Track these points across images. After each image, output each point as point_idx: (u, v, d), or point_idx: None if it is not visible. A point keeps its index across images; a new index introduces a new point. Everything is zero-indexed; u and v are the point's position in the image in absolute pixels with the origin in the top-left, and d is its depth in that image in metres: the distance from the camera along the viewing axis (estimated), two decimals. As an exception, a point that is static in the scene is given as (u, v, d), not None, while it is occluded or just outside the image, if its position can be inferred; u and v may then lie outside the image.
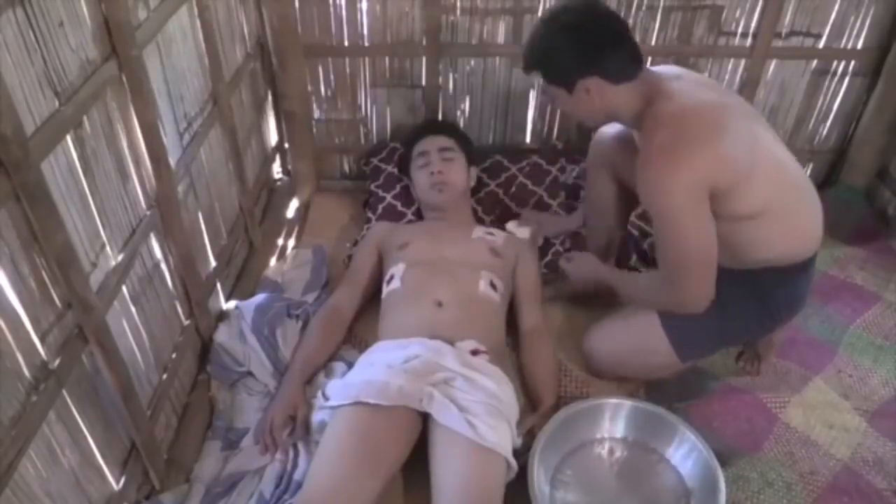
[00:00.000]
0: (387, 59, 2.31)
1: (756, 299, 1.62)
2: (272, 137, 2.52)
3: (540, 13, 2.23)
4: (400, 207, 2.24)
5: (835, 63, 2.32)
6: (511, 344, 1.88)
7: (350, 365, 1.73)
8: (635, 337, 1.72)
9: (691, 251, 1.47)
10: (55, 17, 1.15)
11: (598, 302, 2.01)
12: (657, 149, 1.44)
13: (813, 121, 2.43)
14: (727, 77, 2.34)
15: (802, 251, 1.61)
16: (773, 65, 2.31)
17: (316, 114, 2.43)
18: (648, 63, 2.28)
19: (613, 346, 1.76)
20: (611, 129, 1.81)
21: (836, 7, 2.20)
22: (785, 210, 1.55)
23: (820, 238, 1.63)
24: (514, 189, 2.27)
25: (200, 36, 1.77)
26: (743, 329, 1.70)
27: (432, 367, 1.56)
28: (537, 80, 1.60)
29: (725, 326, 1.64)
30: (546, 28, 1.52)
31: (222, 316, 1.88)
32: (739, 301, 1.61)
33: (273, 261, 2.25)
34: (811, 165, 2.52)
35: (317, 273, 2.10)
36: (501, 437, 1.47)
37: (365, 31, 2.25)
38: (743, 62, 2.30)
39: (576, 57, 1.48)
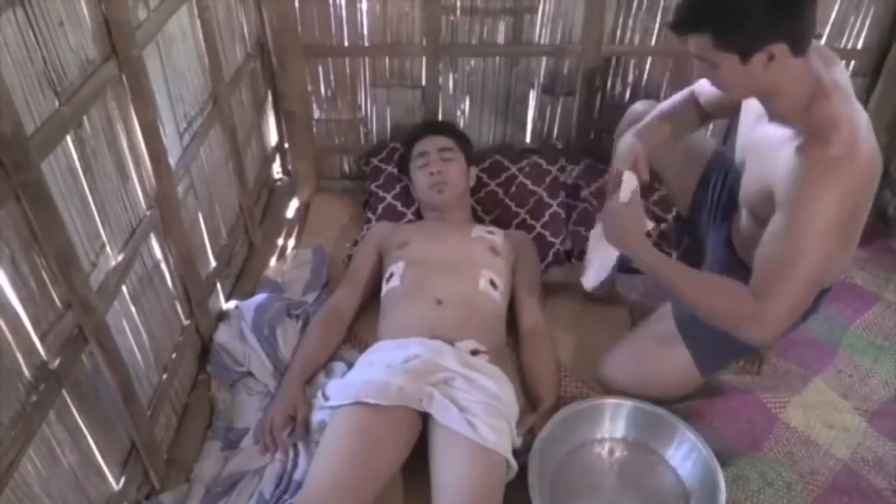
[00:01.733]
0: (387, 59, 2.31)
1: None
2: (272, 137, 2.52)
3: (540, 13, 2.23)
4: (400, 207, 2.24)
5: (835, 63, 2.32)
6: (511, 344, 1.88)
7: (350, 365, 1.73)
8: (657, 359, 1.68)
9: (807, 276, 1.34)
10: (55, 17, 1.15)
11: (603, 303, 2.01)
12: (833, 156, 1.27)
13: (813, 121, 2.44)
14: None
15: (838, 278, 1.61)
16: (773, 65, 2.31)
17: (316, 114, 2.43)
18: (648, 63, 2.31)
19: (633, 372, 1.69)
20: (643, 105, 1.79)
21: (836, 7, 2.19)
22: (849, 243, 1.51)
23: None
24: (513, 189, 2.27)
25: (200, 36, 1.77)
26: None
27: (432, 367, 1.56)
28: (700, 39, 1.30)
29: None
30: None
31: (222, 316, 1.88)
32: None
33: (273, 261, 2.25)
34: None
35: (317, 273, 2.10)
36: (501, 437, 1.47)
37: (365, 31, 2.25)
38: (743, 62, 2.29)
39: (776, 15, 1.24)
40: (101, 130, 1.31)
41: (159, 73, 1.54)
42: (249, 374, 1.76)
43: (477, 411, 1.48)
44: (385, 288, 1.86)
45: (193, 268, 1.71)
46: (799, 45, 1.29)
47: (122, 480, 1.40)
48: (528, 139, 2.49)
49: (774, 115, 1.42)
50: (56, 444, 1.17)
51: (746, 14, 1.25)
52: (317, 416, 1.58)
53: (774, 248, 1.35)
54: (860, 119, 1.34)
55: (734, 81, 1.36)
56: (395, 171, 2.31)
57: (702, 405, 1.68)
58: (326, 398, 1.57)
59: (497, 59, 2.32)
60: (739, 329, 1.40)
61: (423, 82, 2.34)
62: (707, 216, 1.78)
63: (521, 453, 1.52)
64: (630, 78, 2.33)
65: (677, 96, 1.74)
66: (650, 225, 1.67)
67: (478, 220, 2.19)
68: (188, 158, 1.70)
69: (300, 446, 1.59)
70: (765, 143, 1.43)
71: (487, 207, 2.24)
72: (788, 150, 1.34)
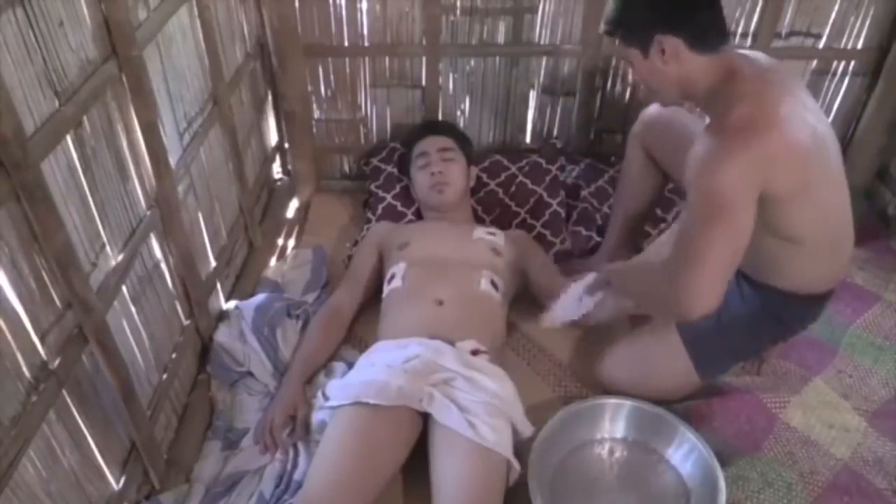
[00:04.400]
0: (387, 59, 2.31)
1: (777, 320, 1.61)
2: (272, 137, 2.52)
3: (540, 13, 2.23)
4: (400, 208, 2.24)
5: (835, 63, 2.31)
6: (511, 344, 1.88)
7: (350, 365, 1.73)
8: (656, 360, 1.68)
9: (718, 246, 1.32)
10: (55, 17, 1.15)
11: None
12: (729, 126, 1.31)
13: (813, 121, 2.44)
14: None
15: (830, 283, 1.60)
16: (773, 65, 2.31)
17: (316, 114, 2.43)
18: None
19: (632, 372, 1.69)
20: (657, 107, 1.79)
21: (836, 7, 2.20)
22: (831, 244, 1.52)
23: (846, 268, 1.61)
24: (513, 188, 2.27)
25: (200, 36, 1.77)
26: (760, 346, 1.72)
27: (432, 367, 1.56)
28: (616, 43, 1.46)
29: (745, 344, 1.64)
30: None
31: (222, 316, 1.88)
32: (761, 321, 1.61)
33: (273, 261, 2.25)
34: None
35: (317, 273, 2.10)
36: (502, 437, 1.47)
37: (365, 31, 2.25)
38: (743, 62, 2.29)
39: (656, 8, 1.38)
40: (101, 130, 1.31)
41: (159, 73, 1.54)
42: (249, 374, 1.76)
43: (477, 411, 1.48)
44: (386, 289, 1.86)
45: (193, 268, 1.71)
46: (697, 41, 1.37)
47: (122, 480, 1.40)
48: (528, 139, 2.49)
49: (704, 111, 1.48)
50: (56, 444, 1.17)
51: (630, 10, 1.42)
52: (317, 416, 1.58)
53: (686, 215, 1.40)
54: (778, 104, 1.33)
55: (648, 76, 1.45)
56: (395, 171, 2.31)
57: (702, 405, 1.67)
58: (326, 398, 1.57)
59: (497, 59, 2.32)
60: (675, 303, 1.38)
61: (423, 82, 2.34)
62: None
63: (522, 452, 1.52)
64: (630, 78, 2.33)
65: None
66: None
67: (478, 220, 2.19)
68: (188, 158, 1.70)
69: (300, 446, 1.59)
70: None
71: (487, 207, 2.24)
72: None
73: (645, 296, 1.57)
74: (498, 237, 1.98)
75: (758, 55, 1.49)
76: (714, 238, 1.32)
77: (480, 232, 1.98)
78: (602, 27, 1.49)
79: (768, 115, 1.32)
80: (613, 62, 2.31)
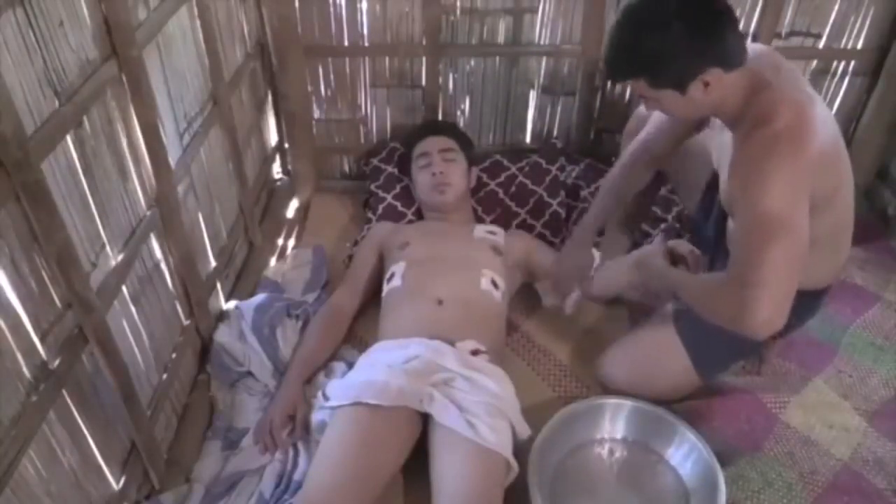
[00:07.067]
0: (387, 59, 2.31)
1: None
2: (272, 137, 2.52)
3: (540, 13, 2.23)
4: (400, 208, 2.24)
5: (835, 63, 2.32)
6: (511, 344, 1.88)
7: (350, 365, 1.73)
8: (656, 360, 1.67)
9: (782, 266, 1.28)
10: (55, 17, 1.15)
11: (604, 303, 2.00)
12: (769, 138, 1.27)
13: (813, 121, 2.44)
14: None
15: (830, 279, 1.60)
16: (773, 65, 2.31)
17: (316, 114, 2.43)
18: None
19: (632, 372, 1.68)
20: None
21: (836, 7, 2.20)
22: (835, 242, 1.51)
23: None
24: (513, 189, 2.27)
25: (200, 36, 1.77)
26: (758, 344, 1.69)
27: (432, 368, 1.56)
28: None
29: (744, 342, 1.63)
30: (650, 24, 1.28)
31: (222, 316, 1.88)
32: None
33: (273, 261, 2.25)
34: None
35: (317, 273, 2.10)
36: (502, 437, 1.46)
37: (365, 31, 2.25)
38: (743, 62, 2.29)
39: (696, 48, 1.28)
40: (101, 130, 1.31)
41: (159, 73, 1.54)
42: (249, 374, 1.76)
43: (477, 411, 1.48)
44: (386, 288, 1.86)
45: (193, 268, 1.71)
46: (730, 63, 1.32)
47: (122, 480, 1.40)
48: (528, 139, 2.49)
49: (729, 124, 1.44)
50: (56, 444, 1.17)
51: (668, 55, 1.29)
52: (317, 416, 1.58)
53: (742, 236, 1.35)
54: (810, 106, 1.33)
55: (681, 110, 1.40)
56: (395, 171, 2.31)
57: (702, 405, 1.68)
58: (326, 398, 1.57)
59: (497, 59, 2.32)
60: (738, 326, 1.34)
61: (423, 82, 2.34)
62: (711, 218, 1.78)
63: (520, 452, 1.52)
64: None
65: (619, 166, 1.81)
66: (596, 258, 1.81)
67: (478, 220, 2.19)
68: (188, 158, 1.70)
69: (300, 446, 1.59)
70: (727, 148, 1.45)
71: (487, 207, 2.24)
72: (736, 143, 1.38)
73: (695, 304, 1.49)
74: (498, 236, 1.98)
75: (763, 52, 1.47)
76: (777, 259, 1.28)
77: (481, 231, 1.98)
78: (618, 76, 1.42)
79: (807, 121, 1.30)
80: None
